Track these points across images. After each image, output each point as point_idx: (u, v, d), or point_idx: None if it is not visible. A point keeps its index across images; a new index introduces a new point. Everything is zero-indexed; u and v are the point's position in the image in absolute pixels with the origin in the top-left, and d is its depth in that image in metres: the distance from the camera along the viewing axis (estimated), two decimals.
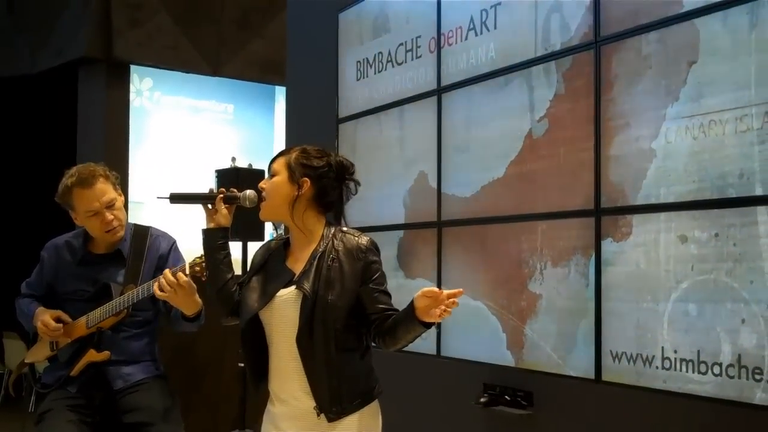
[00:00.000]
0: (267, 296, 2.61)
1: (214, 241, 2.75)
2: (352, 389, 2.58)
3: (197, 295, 3.01)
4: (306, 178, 2.61)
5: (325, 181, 2.64)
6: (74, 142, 7.99)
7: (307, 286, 2.54)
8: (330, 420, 2.54)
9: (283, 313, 2.58)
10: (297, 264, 2.64)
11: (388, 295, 2.65)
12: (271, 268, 2.69)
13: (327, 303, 2.54)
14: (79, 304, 3.30)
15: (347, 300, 2.57)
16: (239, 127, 8.72)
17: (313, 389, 2.54)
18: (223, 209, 2.75)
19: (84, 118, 7.97)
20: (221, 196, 2.76)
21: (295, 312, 2.55)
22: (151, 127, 8.17)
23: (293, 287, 2.58)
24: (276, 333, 2.61)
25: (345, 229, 2.68)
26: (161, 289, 2.85)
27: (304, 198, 2.62)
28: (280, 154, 2.72)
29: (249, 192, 2.79)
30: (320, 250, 2.61)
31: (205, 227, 2.78)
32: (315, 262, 2.58)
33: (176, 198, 2.81)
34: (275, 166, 2.67)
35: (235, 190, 2.79)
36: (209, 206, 2.77)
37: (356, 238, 2.63)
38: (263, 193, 2.68)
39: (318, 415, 2.54)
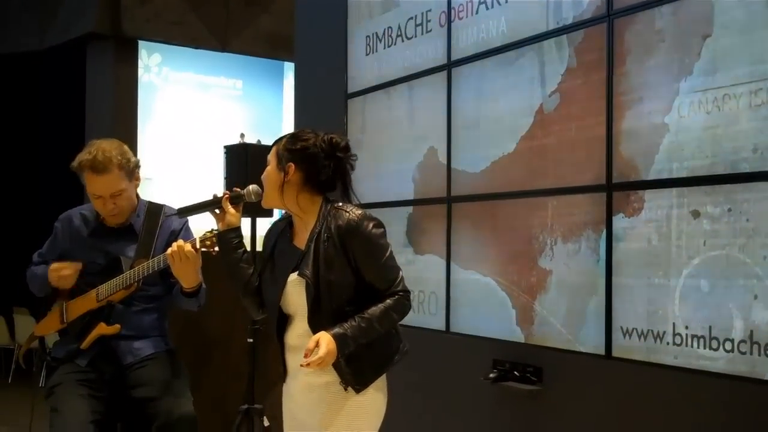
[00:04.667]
0: (280, 285, 2.69)
1: (230, 242, 2.80)
2: (370, 359, 2.65)
3: (199, 271, 3.06)
4: (291, 163, 2.66)
5: (313, 162, 2.66)
6: (83, 118, 7.99)
7: (307, 272, 2.61)
8: (357, 391, 2.63)
9: (294, 297, 2.67)
10: (300, 242, 2.72)
11: (389, 267, 2.66)
12: (280, 251, 2.77)
13: (330, 282, 2.60)
14: (89, 277, 3.30)
15: (349, 276, 2.61)
16: (248, 103, 8.71)
17: (334, 364, 2.58)
18: (230, 210, 2.80)
19: (92, 94, 7.97)
20: (226, 196, 2.81)
21: (303, 296, 2.63)
22: (159, 103, 8.17)
23: (296, 273, 2.65)
24: (291, 313, 2.71)
25: (338, 205, 2.69)
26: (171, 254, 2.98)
27: (294, 182, 2.67)
28: (274, 143, 2.77)
29: (252, 187, 2.84)
30: (316, 230, 2.65)
31: (217, 230, 2.84)
32: (312, 245, 2.64)
33: (184, 212, 2.95)
34: (269, 156, 2.74)
35: (238, 189, 2.84)
36: (217, 211, 2.83)
37: (347, 213, 2.64)
38: None
39: (345, 389, 2.62)
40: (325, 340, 2.49)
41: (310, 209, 2.69)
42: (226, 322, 5.08)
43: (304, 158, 2.66)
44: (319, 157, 2.66)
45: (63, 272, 3.27)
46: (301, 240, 2.71)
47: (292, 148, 2.68)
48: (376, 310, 2.60)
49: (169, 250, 2.99)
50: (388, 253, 2.66)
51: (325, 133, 2.72)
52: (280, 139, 2.76)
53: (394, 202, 4.50)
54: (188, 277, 3.06)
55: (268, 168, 2.71)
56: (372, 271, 2.63)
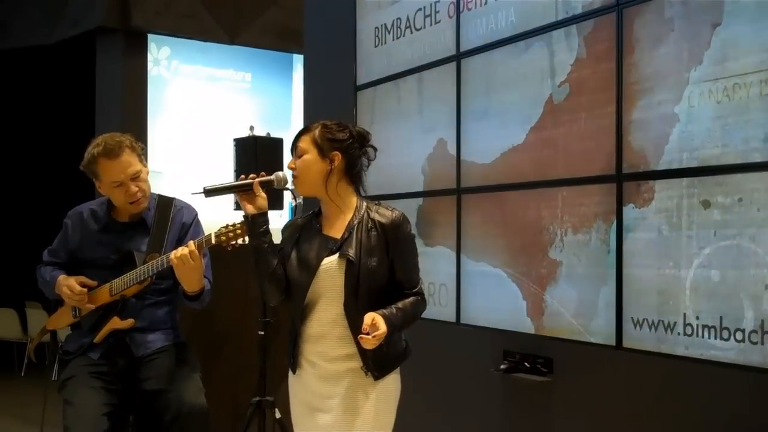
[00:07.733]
0: (312, 267, 2.74)
1: (259, 226, 2.79)
2: (393, 350, 2.77)
3: (202, 275, 3.07)
4: (336, 152, 2.75)
5: (352, 152, 2.79)
6: (92, 112, 7.99)
7: (351, 252, 2.69)
8: (376, 378, 2.73)
9: (328, 281, 2.72)
10: (333, 232, 2.78)
11: (416, 270, 2.82)
12: (308, 239, 2.81)
13: (370, 269, 2.69)
14: (101, 271, 3.32)
15: (386, 267, 2.73)
16: (257, 96, 8.69)
17: (360, 351, 2.68)
18: (262, 193, 2.80)
19: (102, 88, 7.97)
20: (258, 180, 2.80)
21: (341, 279, 2.70)
22: (169, 97, 8.16)
23: (336, 256, 2.71)
24: (319, 300, 2.75)
25: (378, 202, 2.82)
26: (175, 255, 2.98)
27: (336, 171, 2.76)
28: (303, 132, 2.81)
29: (281, 173, 2.86)
30: (355, 220, 2.75)
31: (246, 214, 2.80)
32: (354, 232, 2.73)
33: (211, 192, 2.85)
34: (302, 144, 2.78)
35: (265, 174, 2.84)
36: (243, 193, 2.80)
37: (390, 212, 2.78)
38: (294, 172, 2.79)
39: (366, 375, 2.71)
40: (380, 319, 2.59)
41: (347, 198, 2.79)
42: (238, 316, 5.10)
43: (347, 148, 2.77)
44: (355, 147, 2.79)
45: (75, 298, 3.29)
46: (335, 229, 2.78)
47: (334, 138, 2.76)
48: (407, 303, 2.74)
49: (173, 255, 3.00)
50: (417, 257, 2.83)
51: (352, 125, 2.86)
52: (310, 128, 2.80)
53: (403, 194, 4.50)
54: (191, 281, 3.10)
55: (307, 157, 2.75)
56: (403, 270, 2.76)
